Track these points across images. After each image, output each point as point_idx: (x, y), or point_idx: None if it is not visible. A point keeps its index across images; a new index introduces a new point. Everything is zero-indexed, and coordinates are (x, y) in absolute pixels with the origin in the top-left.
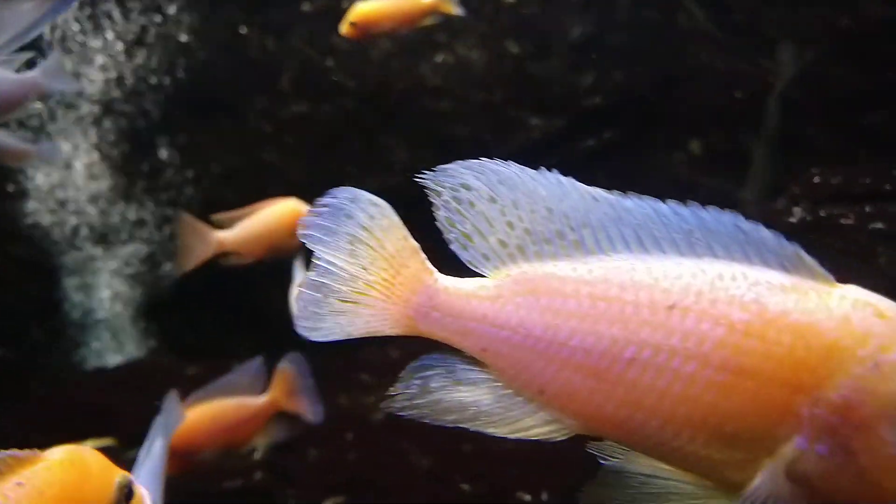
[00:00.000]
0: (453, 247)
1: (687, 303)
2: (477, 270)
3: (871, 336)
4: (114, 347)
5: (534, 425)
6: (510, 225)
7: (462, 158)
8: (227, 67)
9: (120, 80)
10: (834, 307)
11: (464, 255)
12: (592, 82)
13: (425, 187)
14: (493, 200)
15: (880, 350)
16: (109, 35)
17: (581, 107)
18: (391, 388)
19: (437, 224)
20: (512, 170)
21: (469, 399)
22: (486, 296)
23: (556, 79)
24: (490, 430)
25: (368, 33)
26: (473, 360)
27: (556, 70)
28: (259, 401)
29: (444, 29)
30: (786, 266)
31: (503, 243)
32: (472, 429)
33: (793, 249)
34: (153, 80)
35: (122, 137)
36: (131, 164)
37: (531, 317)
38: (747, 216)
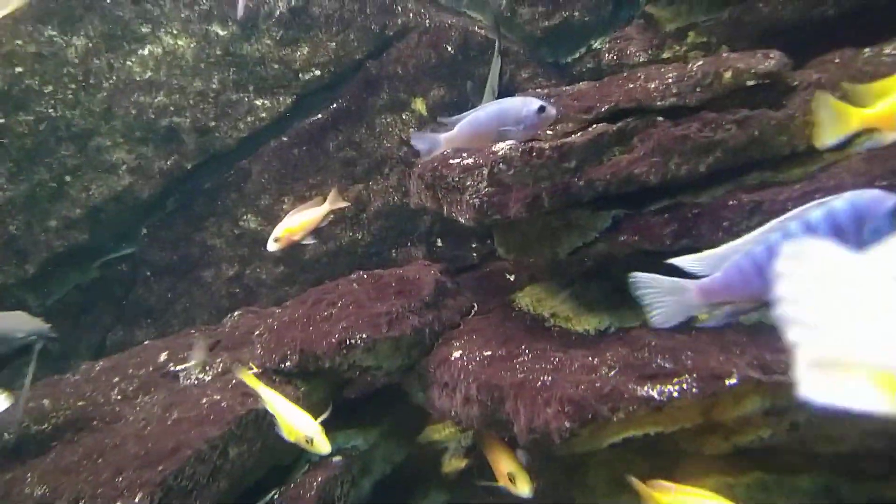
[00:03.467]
0: None
1: None
2: None
3: None
4: None
5: None
6: None
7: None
8: None
9: None
10: None
11: None
12: (308, 55)
13: None
14: None
15: None
16: None
17: (302, 81)
18: None
19: None
20: None
21: None
22: None
23: (272, 57)
24: None
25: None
26: None
27: (270, 48)
28: None
29: (142, 20)
30: None
31: None
32: None
33: None
34: None
35: None
36: None
37: None
38: None
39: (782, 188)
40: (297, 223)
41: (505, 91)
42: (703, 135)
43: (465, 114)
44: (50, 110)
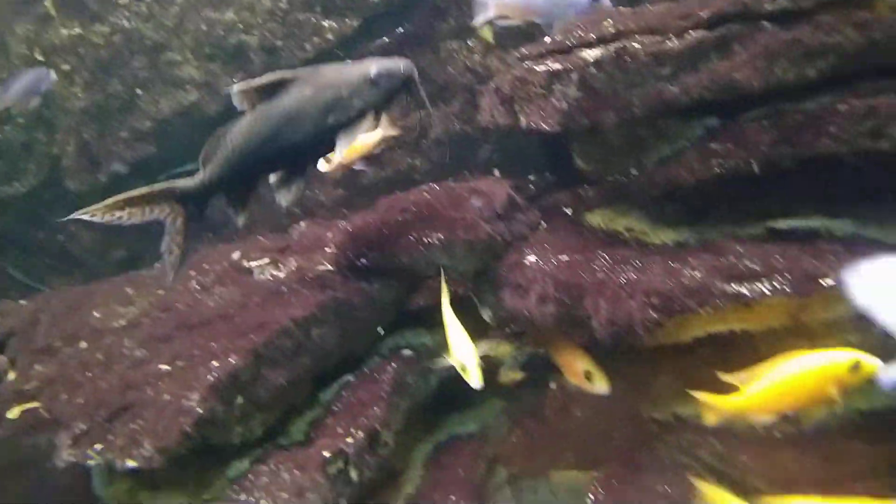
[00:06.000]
0: None
1: None
2: None
3: None
4: None
5: None
6: None
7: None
8: None
9: None
10: None
11: None
12: None
13: None
14: None
15: None
16: None
17: (370, 4)
18: None
19: None
20: None
21: None
22: None
23: None
24: None
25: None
26: None
27: None
28: None
29: None
30: None
31: None
32: None
33: None
34: None
35: None
36: None
37: None
38: None
39: None
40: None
41: None
42: (817, 38)
43: None
44: (124, 22)
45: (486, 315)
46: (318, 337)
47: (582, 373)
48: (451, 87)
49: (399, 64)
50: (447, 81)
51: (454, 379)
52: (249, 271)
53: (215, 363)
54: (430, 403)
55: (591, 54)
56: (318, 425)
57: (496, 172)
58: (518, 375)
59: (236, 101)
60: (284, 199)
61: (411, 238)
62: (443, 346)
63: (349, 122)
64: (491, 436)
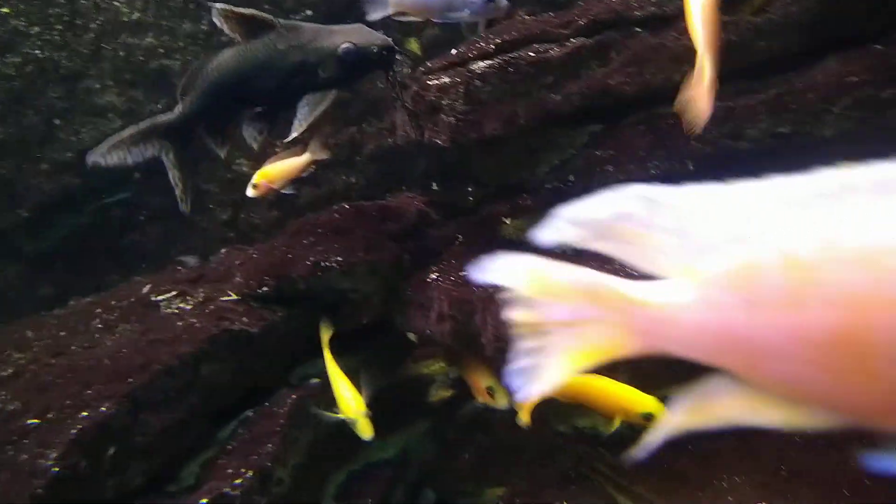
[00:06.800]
0: None
1: None
2: None
3: None
4: None
5: None
6: None
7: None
8: None
9: None
10: None
11: None
12: None
13: None
14: None
15: None
16: None
17: (295, 20)
18: None
19: None
20: None
21: None
22: None
23: None
24: None
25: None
26: None
27: None
28: None
29: None
30: None
31: None
32: None
33: None
34: None
35: None
36: None
37: None
38: None
39: (756, 94)
40: (275, 170)
41: None
42: (681, 43)
43: None
44: (37, 52)
45: (411, 336)
46: (208, 373)
47: (485, 389)
48: (381, 102)
49: (375, 44)
50: (377, 97)
51: (371, 405)
52: (157, 305)
53: (84, 413)
54: (344, 432)
55: (477, 66)
56: (211, 467)
57: (434, 185)
58: (448, 393)
59: (217, 21)
60: (251, 139)
61: (308, 263)
62: (354, 371)
63: (314, 88)
64: (414, 459)
